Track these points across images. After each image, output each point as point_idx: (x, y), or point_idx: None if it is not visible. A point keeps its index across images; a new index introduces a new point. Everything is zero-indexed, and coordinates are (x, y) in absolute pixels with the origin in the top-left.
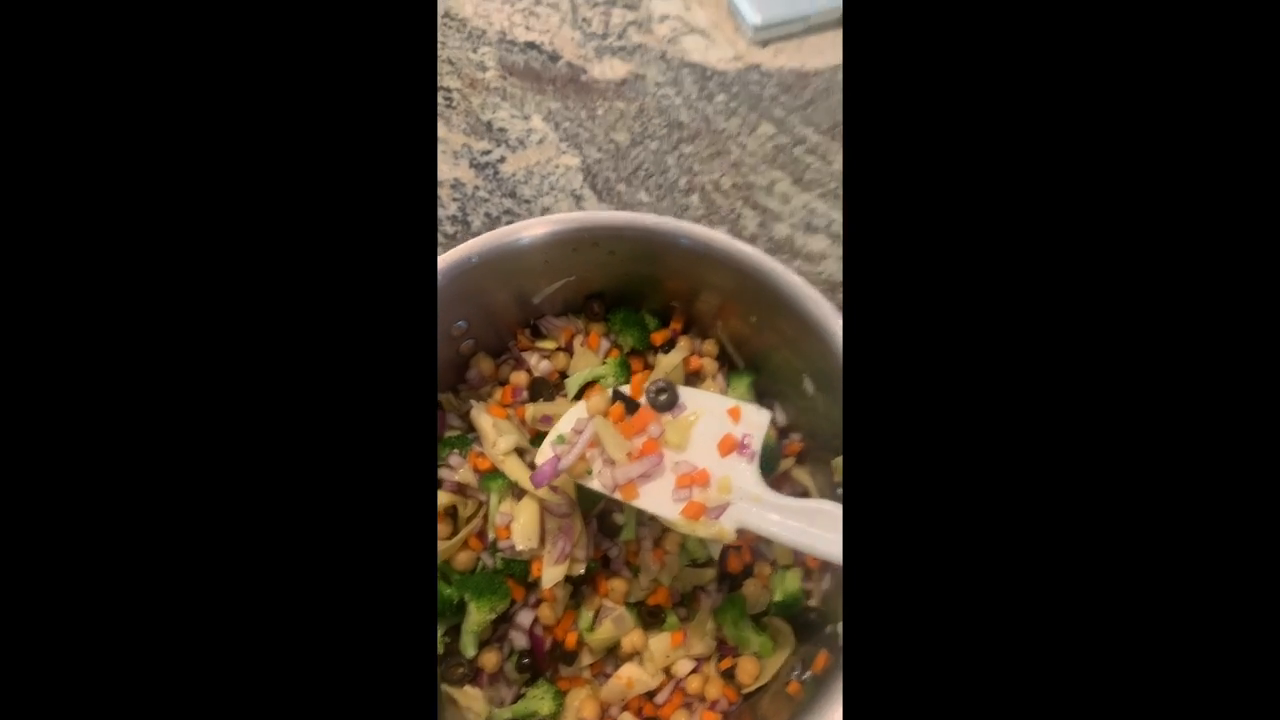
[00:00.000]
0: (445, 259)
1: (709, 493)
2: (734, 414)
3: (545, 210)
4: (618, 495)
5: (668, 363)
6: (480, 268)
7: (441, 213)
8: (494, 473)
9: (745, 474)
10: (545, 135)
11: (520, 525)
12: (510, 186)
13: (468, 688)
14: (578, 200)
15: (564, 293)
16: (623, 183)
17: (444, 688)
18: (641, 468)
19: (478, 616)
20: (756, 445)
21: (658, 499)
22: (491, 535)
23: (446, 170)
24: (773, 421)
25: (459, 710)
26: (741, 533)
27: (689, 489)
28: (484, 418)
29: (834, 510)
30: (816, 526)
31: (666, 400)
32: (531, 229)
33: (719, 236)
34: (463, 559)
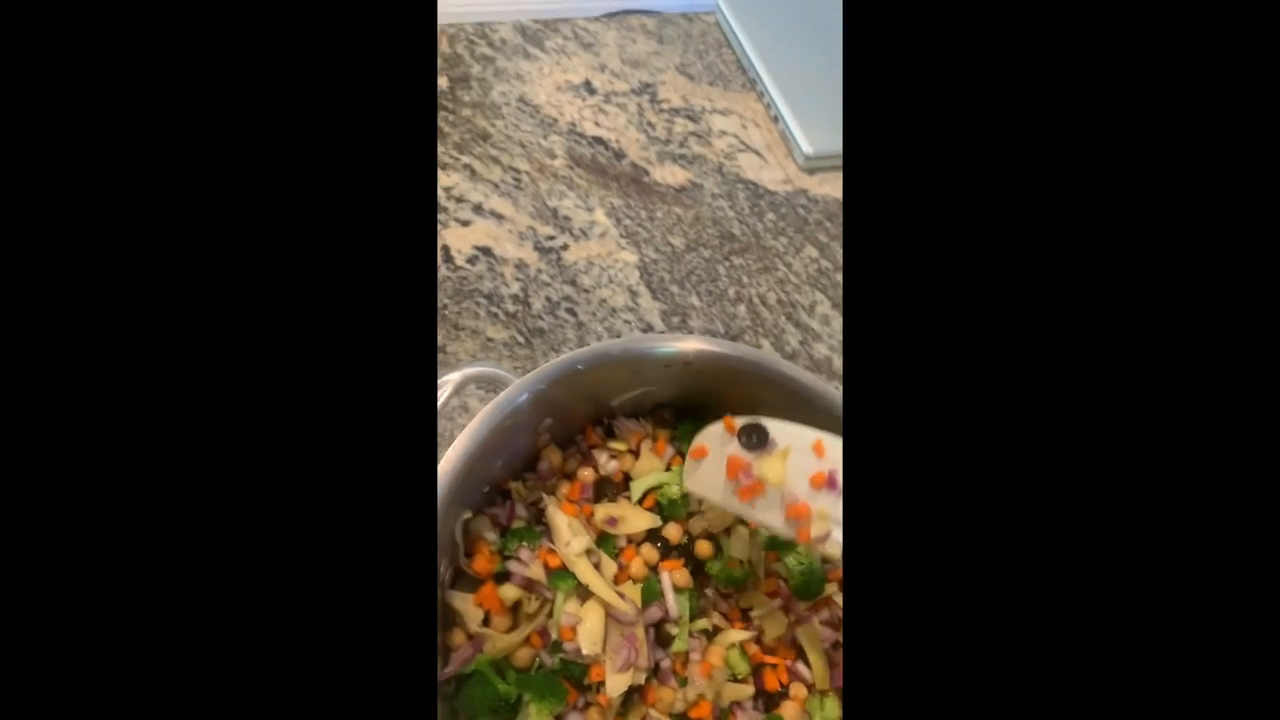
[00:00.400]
0: (557, 363)
1: (813, 523)
2: (818, 448)
3: (603, 301)
4: (734, 502)
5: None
6: (585, 374)
7: (505, 290)
8: (563, 571)
9: (836, 505)
10: (606, 229)
11: (586, 629)
12: (571, 274)
13: None
14: (633, 295)
15: (637, 399)
16: (676, 284)
17: None
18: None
19: (538, 719)
20: (839, 477)
21: (770, 519)
22: (554, 635)
23: (512, 249)
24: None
25: None
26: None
27: (796, 519)
28: (559, 515)
29: None
30: None
31: (757, 440)
32: (673, 343)
33: (789, 365)
34: (522, 656)
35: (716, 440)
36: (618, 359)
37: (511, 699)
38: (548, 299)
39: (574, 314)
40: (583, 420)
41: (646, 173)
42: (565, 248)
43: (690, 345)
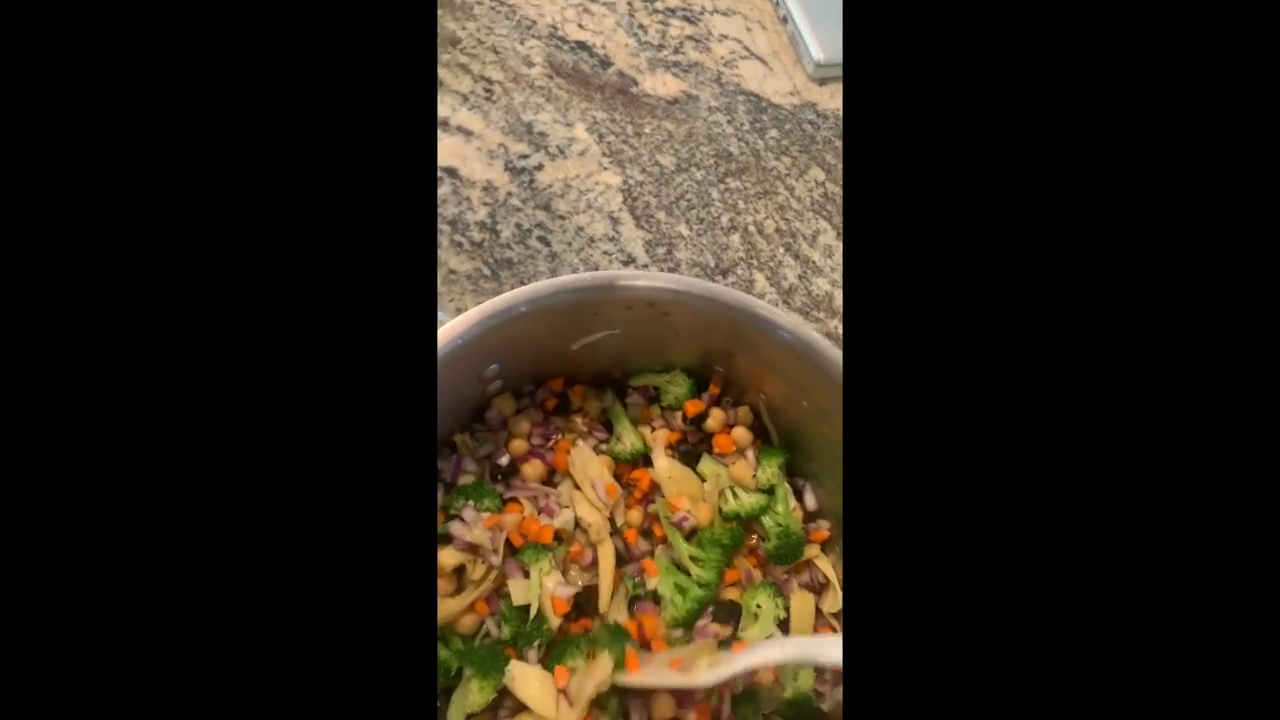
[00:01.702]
0: (493, 304)
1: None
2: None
3: (580, 230)
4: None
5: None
6: (529, 316)
7: (471, 216)
8: (537, 546)
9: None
10: (588, 147)
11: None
12: (545, 199)
13: None
14: (614, 223)
15: (598, 343)
16: (663, 210)
17: None
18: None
19: (479, 697)
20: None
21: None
22: (503, 606)
23: (480, 170)
24: (800, 503)
25: None
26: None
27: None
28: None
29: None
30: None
31: None
32: (633, 280)
33: (774, 311)
34: (467, 622)
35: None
36: (569, 300)
37: (452, 668)
38: (518, 226)
39: (547, 243)
40: (539, 366)
41: (635, 82)
42: (540, 168)
43: (652, 283)
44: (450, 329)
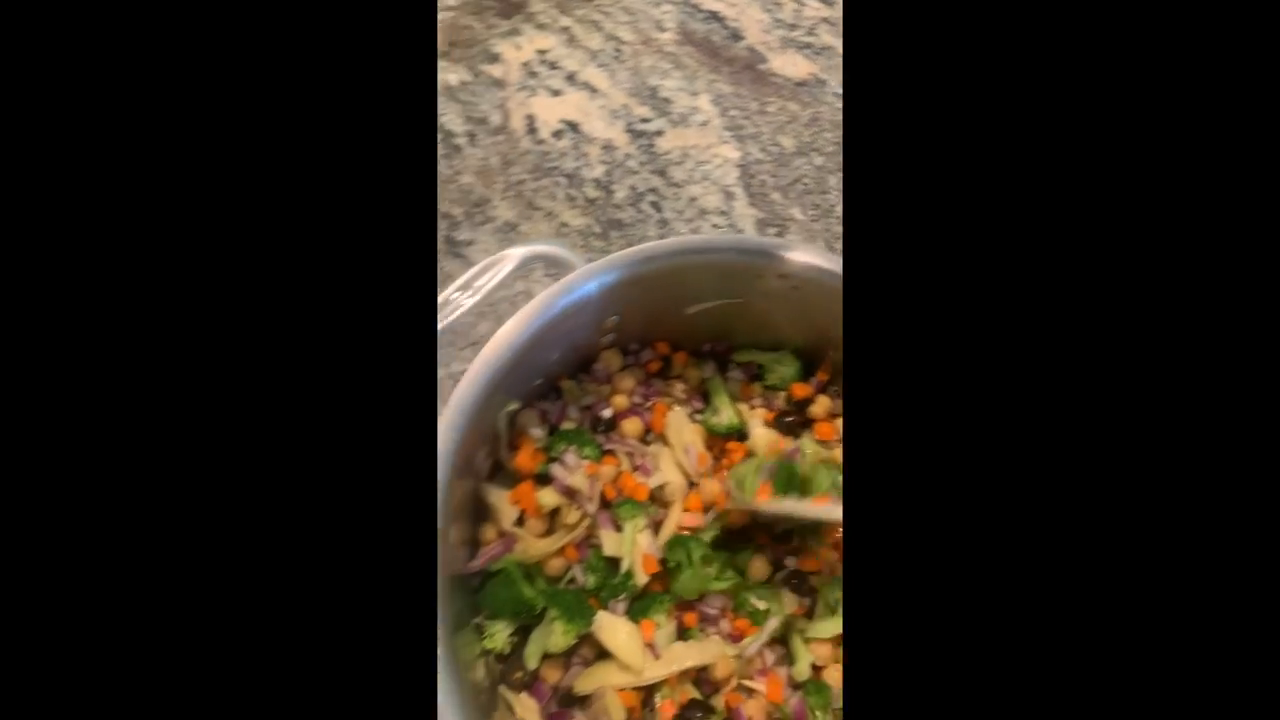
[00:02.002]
0: (639, 250)
1: None
2: None
3: (693, 200)
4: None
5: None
6: (664, 271)
7: (587, 173)
8: (631, 503)
9: None
10: (709, 119)
11: None
12: (662, 165)
13: (524, 696)
14: (728, 197)
15: (716, 311)
16: (779, 191)
17: (502, 689)
18: None
19: (561, 639)
20: None
21: None
22: (591, 555)
23: (601, 128)
24: None
25: (515, 716)
26: None
27: None
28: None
29: None
30: None
31: None
32: (780, 251)
33: None
34: (555, 565)
35: None
36: (706, 259)
37: (536, 606)
38: (632, 189)
39: (659, 209)
40: (650, 327)
41: (764, 59)
42: (660, 133)
43: (801, 258)
44: (586, 271)
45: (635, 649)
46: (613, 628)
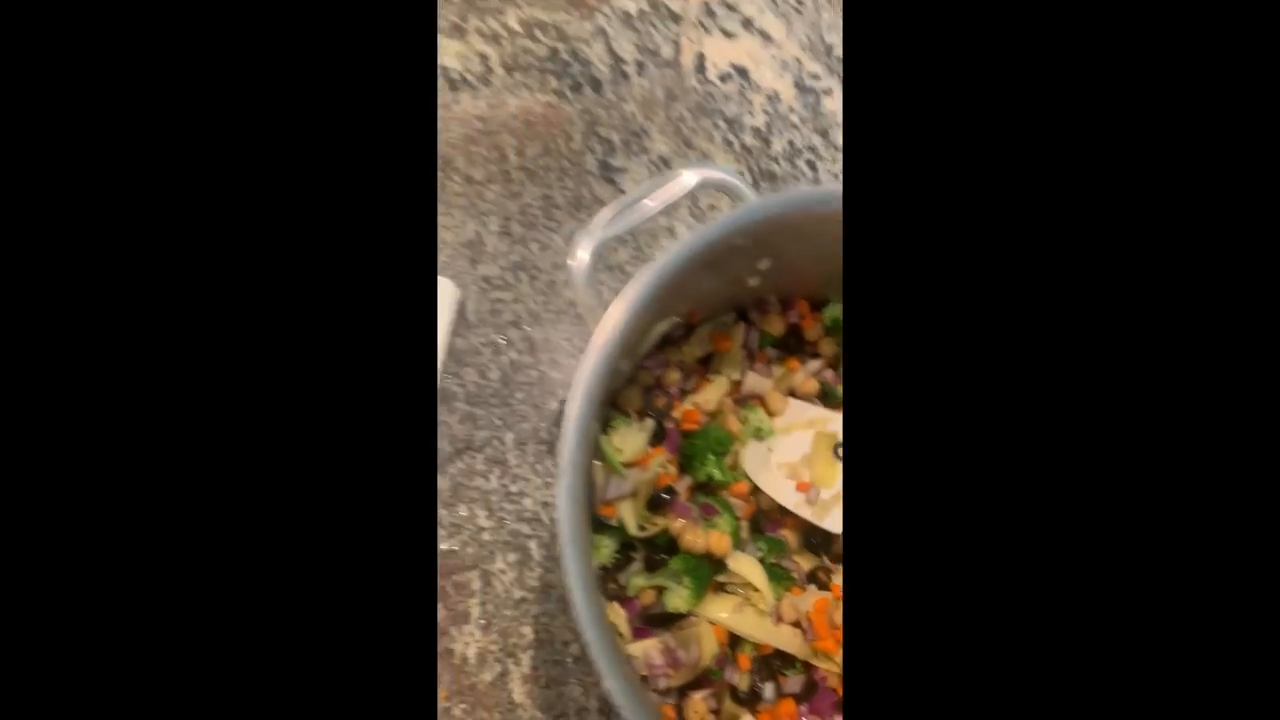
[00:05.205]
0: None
1: None
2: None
3: None
4: None
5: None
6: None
7: (748, 120)
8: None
9: None
10: None
11: None
12: (825, 125)
13: (617, 605)
14: None
15: None
16: None
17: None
18: None
19: (681, 604)
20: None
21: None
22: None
23: (769, 78)
24: None
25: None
26: None
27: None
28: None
29: None
30: None
31: None
32: None
33: None
34: None
35: None
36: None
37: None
38: (790, 143)
39: (814, 169)
40: (799, 284)
41: None
42: (829, 92)
43: None
44: (757, 205)
45: (765, 582)
46: (748, 563)
